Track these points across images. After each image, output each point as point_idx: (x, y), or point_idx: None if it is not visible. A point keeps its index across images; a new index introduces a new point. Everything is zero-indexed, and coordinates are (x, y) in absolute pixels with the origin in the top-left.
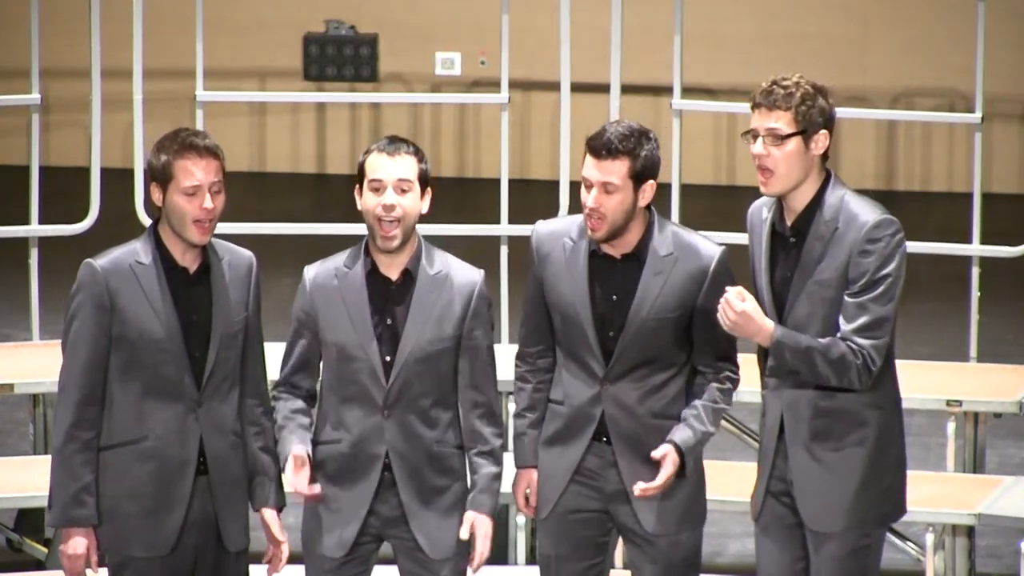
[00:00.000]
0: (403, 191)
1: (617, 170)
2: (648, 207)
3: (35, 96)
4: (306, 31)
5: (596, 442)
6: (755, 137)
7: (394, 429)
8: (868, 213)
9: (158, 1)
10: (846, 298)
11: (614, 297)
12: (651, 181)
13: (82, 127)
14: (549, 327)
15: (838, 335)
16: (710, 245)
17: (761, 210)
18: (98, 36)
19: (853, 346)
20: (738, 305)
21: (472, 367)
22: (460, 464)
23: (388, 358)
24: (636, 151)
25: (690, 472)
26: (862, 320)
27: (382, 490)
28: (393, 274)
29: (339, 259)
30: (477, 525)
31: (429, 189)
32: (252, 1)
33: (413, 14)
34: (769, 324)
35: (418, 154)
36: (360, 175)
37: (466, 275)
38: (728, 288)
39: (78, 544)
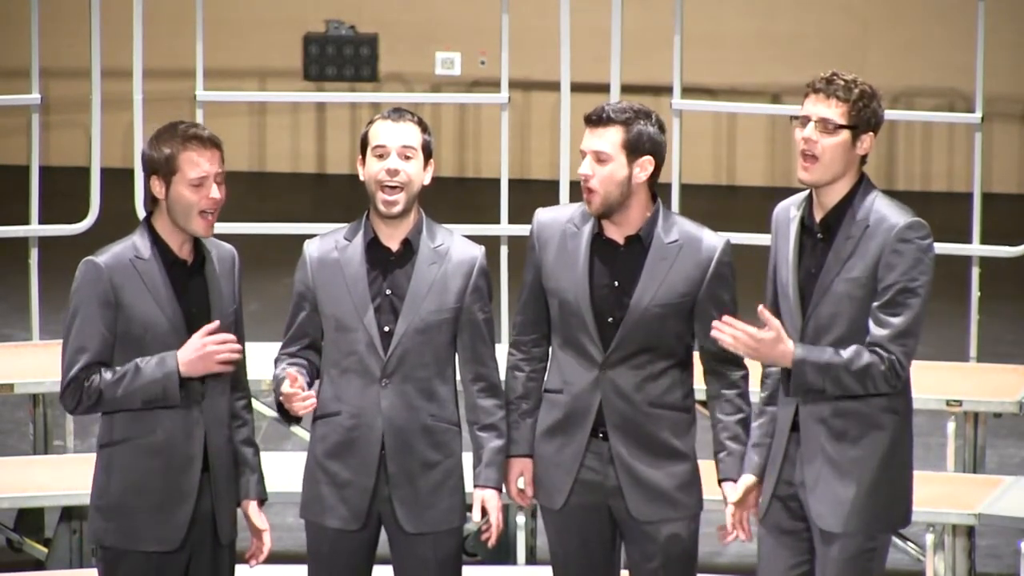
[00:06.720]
0: (407, 158)
1: (609, 138)
2: (655, 197)
3: (35, 96)
4: (306, 31)
5: (594, 438)
6: (805, 123)
7: (391, 399)
8: (898, 215)
9: (158, 1)
10: (875, 305)
11: (615, 283)
12: (648, 157)
13: (82, 127)
14: (546, 316)
15: (867, 340)
16: (715, 236)
17: (789, 208)
18: (98, 36)
19: (882, 353)
20: (760, 334)
21: (472, 342)
22: (454, 442)
23: (387, 328)
24: (629, 123)
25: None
26: (892, 327)
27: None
28: (393, 245)
29: (340, 232)
30: (487, 499)
31: (432, 162)
32: (252, 1)
33: (413, 14)
34: (791, 345)
35: (422, 124)
36: (363, 145)
37: (467, 249)
38: (765, 318)
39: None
